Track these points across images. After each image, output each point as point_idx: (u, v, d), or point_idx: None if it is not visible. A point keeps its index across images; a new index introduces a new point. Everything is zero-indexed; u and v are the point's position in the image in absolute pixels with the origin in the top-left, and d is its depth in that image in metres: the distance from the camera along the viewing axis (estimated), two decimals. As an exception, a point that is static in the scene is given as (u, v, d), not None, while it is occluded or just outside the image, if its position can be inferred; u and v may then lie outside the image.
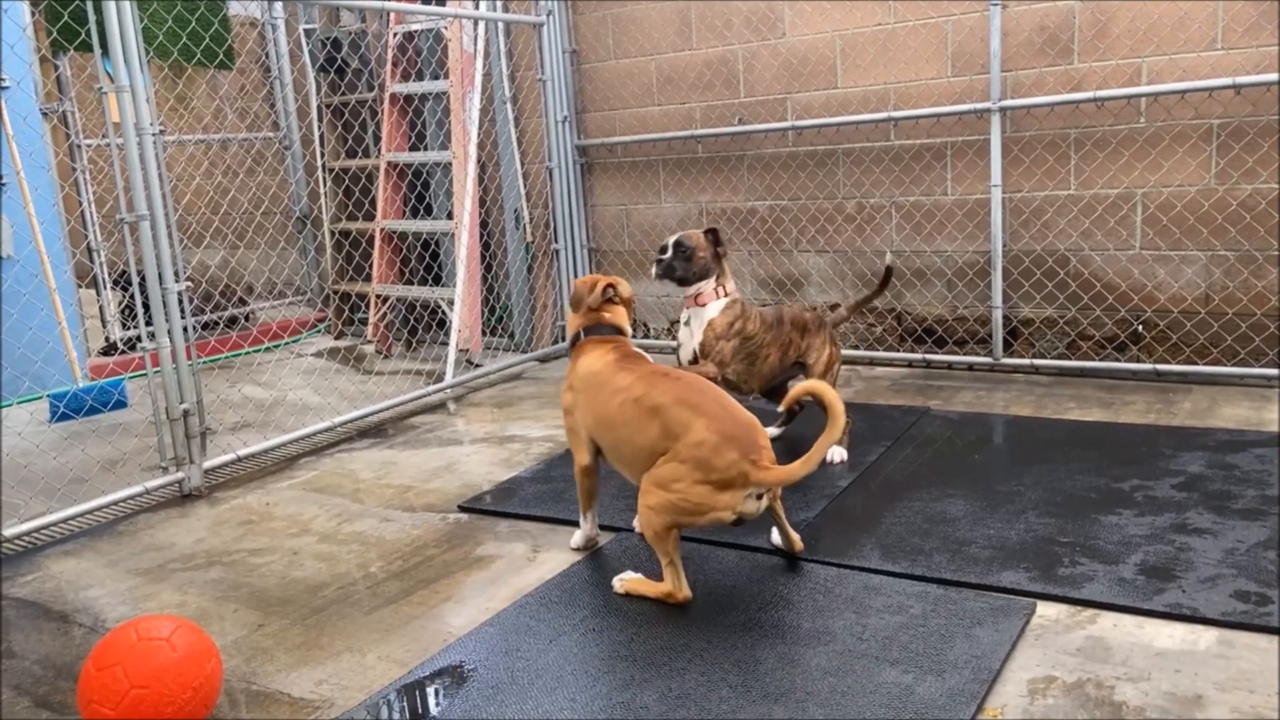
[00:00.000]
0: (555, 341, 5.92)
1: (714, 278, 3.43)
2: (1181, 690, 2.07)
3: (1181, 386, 4.27)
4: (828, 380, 3.58)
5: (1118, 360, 4.56)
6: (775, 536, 2.81)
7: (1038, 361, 4.66)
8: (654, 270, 3.44)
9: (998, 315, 4.70)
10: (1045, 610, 2.44)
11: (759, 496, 2.49)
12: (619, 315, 2.96)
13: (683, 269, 3.39)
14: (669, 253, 3.40)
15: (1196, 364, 4.36)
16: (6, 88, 5.08)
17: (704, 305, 3.44)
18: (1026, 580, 2.56)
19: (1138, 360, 4.52)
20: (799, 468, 2.40)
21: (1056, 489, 3.17)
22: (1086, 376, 4.55)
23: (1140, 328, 4.52)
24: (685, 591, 2.55)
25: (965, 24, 4.64)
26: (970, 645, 2.28)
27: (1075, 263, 4.61)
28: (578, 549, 2.99)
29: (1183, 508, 2.95)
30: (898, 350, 5.11)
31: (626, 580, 2.66)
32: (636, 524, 3.13)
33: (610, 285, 2.93)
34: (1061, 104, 4.41)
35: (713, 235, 3.43)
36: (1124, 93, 4.26)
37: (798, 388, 2.58)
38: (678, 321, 3.61)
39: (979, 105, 4.55)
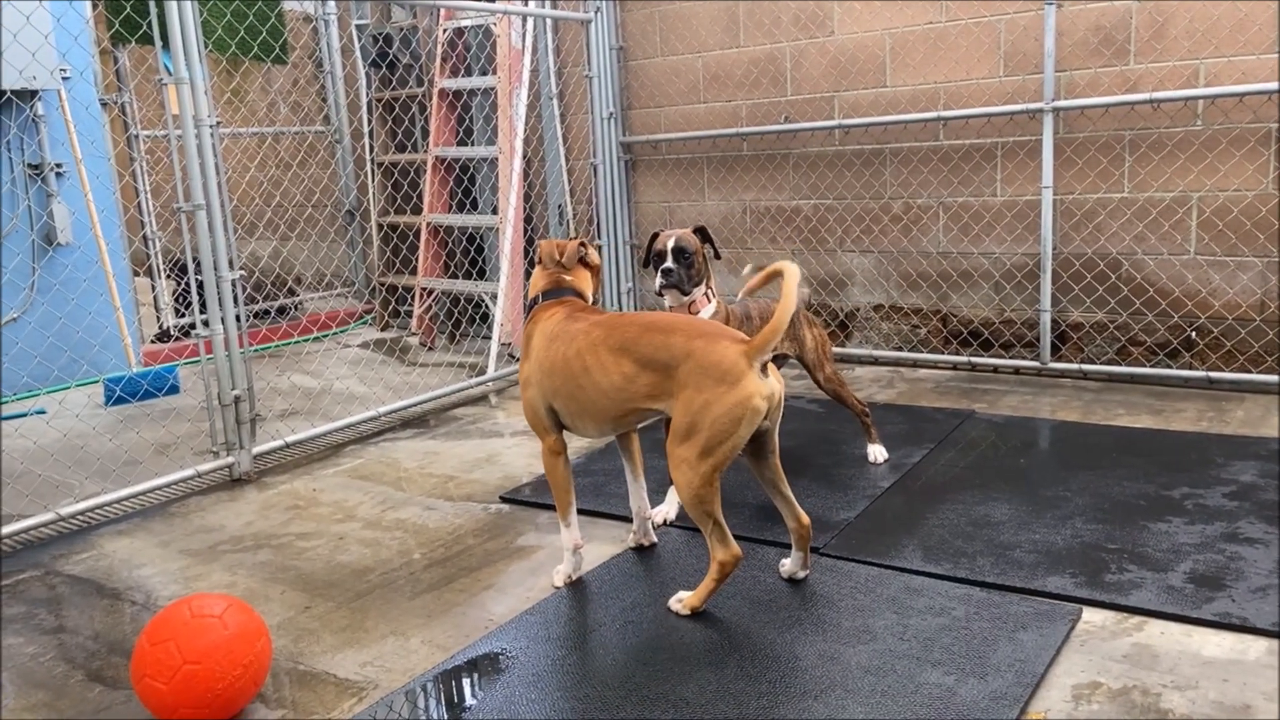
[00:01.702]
0: (597, 337, 5.93)
1: (704, 281, 3.15)
2: (1230, 699, 2.04)
3: (1234, 395, 4.19)
4: (824, 357, 3.47)
5: (1169, 367, 4.48)
6: (785, 565, 2.68)
7: (1086, 366, 4.59)
8: (657, 282, 3.10)
9: (1046, 319, 4.64)
10: (1091, 616, 2.41)
11: (764, 371, 2.36)
12: (582, 279, 2.81)
13: (687, 278, 3.09)
14: (669, 259, 3.08)
15: (1250, 372, 4.27)
16: (68, 78, 5.22)
17: (698, 314, 3.13)
18: (1072, 586, 2.53)
19: (1190, 367, 4.44)
20: (779, 315, 2.29)
21: (1104, 495, 3.13)
22: (1136, 383, 4.47)
23: (1193, 334, 4.43)
24: (734, 549, 2.44)
25: (1019, 23, 4.58)
26: (1014, 649, 2.26)
27: (1127, 267, 4.54)
28: (567, 580, 2.74)
29: (1234, 517, 2.90)
30: (942, 352, 5.06)
31: (685, 599, 2.52)
32: (659, 513, 3.14)
33: (583, 245, 2.81)
34: (1116, 105, 4.34)
35: (702, 234, 3.15)
36: (1181, 94, 4.18)
37: (765, 270, 2.48)
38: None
39: (1031, 105, 4.49)
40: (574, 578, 2.76)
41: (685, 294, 3.12)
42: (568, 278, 2.79)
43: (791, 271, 2.37)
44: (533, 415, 2.71)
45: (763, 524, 3.04)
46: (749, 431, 2.35)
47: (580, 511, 3.28)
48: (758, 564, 2.78)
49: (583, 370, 2.52)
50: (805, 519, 2.59)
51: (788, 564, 2.68)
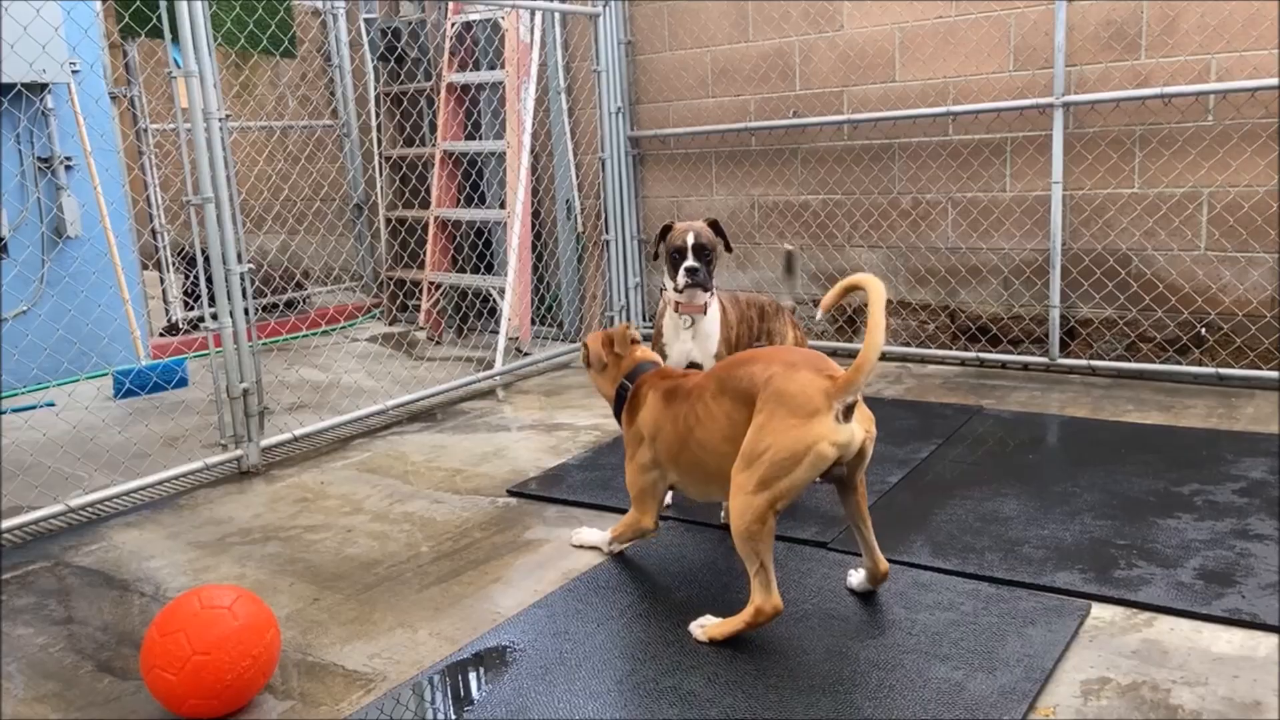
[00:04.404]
0: (604, 332, 5.94)
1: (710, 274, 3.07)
2: (1239, 696, 2.03)
3: (1244, 391, 4.17)
4: None
5: (1179, 363, 4.46)
6: (853, 578, 2.56)
7: (1095, 363, 4.58)
8: (681, 281, 3.00)
9: (1055, 315, 4.62)
10: (1100, 612, 2.40)
11: (845, 417, 2.21)
12: (648, 352, 2.81)
13: (709, 276, 3.01)
14: (691, 257, 2.99)
15: (1261, 369, 4.25)
16: (78, 71, 5.23)
17: (705, 312, 3.10)
18: (1081, 581, 2.53)
19: (1200, 364, 4.42)
20: (863, 360, 2.13)
21: (1113, 491, 3.12)
22: (1146, 379, 4.46)
23: (1203, 330, 4.42)
24: (776, 600, 2.25)
25: (1029, 17, 4.56)
26: (1022, 644, 2.25)
27: (1137, 263, 4.52)
28: (580, 545, 2.90)
29: (1244, 513, 2.89)
30: (950, 348, 5.05)
31: (708, 627, 2.36)
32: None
33: (627, 328, 2.82)
34: (1127, 100, 4.32)
35: (715, 228, 3.08)
36: (1192, 89, 4.16)
37: (845, 282, 2.29)
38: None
39: (1042, 100, 4.47)
40: (588, 547, 2.92)
41: (709, 291, 3.04)
42: (639, 353, 2.76)
43: (877, 292, 2.16)
44: (641, 493, 2.66)
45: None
46: (810, 474, 2.20)
47: (588, 505, 3.29)
48: (765, 558, 2.78)
49: (696, 422, 2.44)
50: (883, 566, 2.47)
51: (855, 581, 2.56)
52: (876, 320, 2.14)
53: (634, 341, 2.81)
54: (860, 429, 2.25)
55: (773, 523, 2.23)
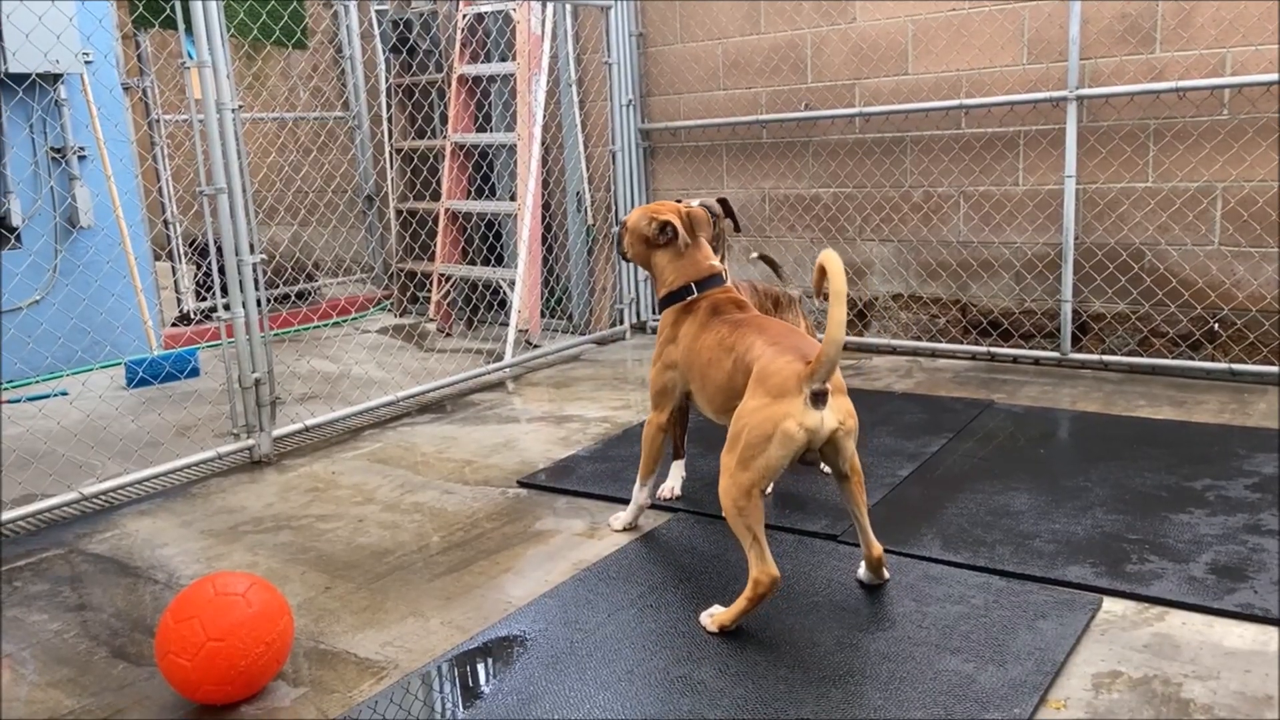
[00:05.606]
0: (613, 324, 5.95)
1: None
2: (1251, 690, 2.03)
3: (1257, 387, 4.15)
4: None
5: (1191, 359, 4.44)
6: (863, 571, 2.57)
7: (1107, 358, 4.56)
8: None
9: (1067, 309, 4.61)
10: (1112, 606, 2.40)
11: (816, 401, 2.26)
12: (716, 263, 2.79)
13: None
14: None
15: (1273, 364, 4.23)
16: (91, 62, 5.24)
17: None
18: (1093, 575, 2.52)
19: (1212, 359, 4.40)
20: (821, 351, 2.23)
21: (1125, 486, 3.11)
22: (1158, 374, 4.44)
23: (1216, 326, 4.40)
24: (772, 570, 2.30)
25: (1043, 10, 4.54)
26: (1033, 637, 2.25)
27: (1150, 257, 4.50)
28: (625, 526, 3.00)
29: (1256, 508, 2.88)
30: (961, 342, 5.04)
31: (716, 615, 2.39)
32: (665, 489, 3.19)
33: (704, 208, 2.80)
34: (1141, 94, 4.30)
35: (724, 205, 3.16)
36: (1207, 83, 4.13)
37: (816, 264, 2.31)
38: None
39: (1055, 94, 4.45)
40: (630, 525, 2.99)
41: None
42: (716, 263, 2.79)
43: (833, 269, 2.20)
44: (661, 390, 2.81)
45: (780, 511, 3.04)
46: (782, 453, 2.27)
47: (597, 497, 3.30)
48: (776, 551, 2.77)
49: (712, 357, 2.60)
50: (876, 550, 2.48)
51: (865, 574, 2.56)
52: (835, 309, 2.18)
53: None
54: (833, 418, 2.30)
55: (758, 500, 2.32)
